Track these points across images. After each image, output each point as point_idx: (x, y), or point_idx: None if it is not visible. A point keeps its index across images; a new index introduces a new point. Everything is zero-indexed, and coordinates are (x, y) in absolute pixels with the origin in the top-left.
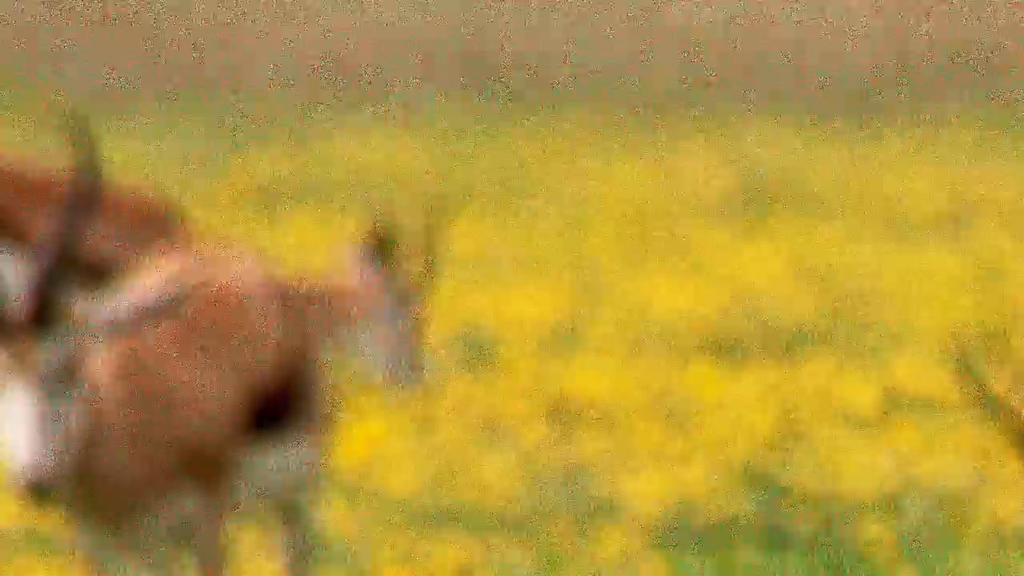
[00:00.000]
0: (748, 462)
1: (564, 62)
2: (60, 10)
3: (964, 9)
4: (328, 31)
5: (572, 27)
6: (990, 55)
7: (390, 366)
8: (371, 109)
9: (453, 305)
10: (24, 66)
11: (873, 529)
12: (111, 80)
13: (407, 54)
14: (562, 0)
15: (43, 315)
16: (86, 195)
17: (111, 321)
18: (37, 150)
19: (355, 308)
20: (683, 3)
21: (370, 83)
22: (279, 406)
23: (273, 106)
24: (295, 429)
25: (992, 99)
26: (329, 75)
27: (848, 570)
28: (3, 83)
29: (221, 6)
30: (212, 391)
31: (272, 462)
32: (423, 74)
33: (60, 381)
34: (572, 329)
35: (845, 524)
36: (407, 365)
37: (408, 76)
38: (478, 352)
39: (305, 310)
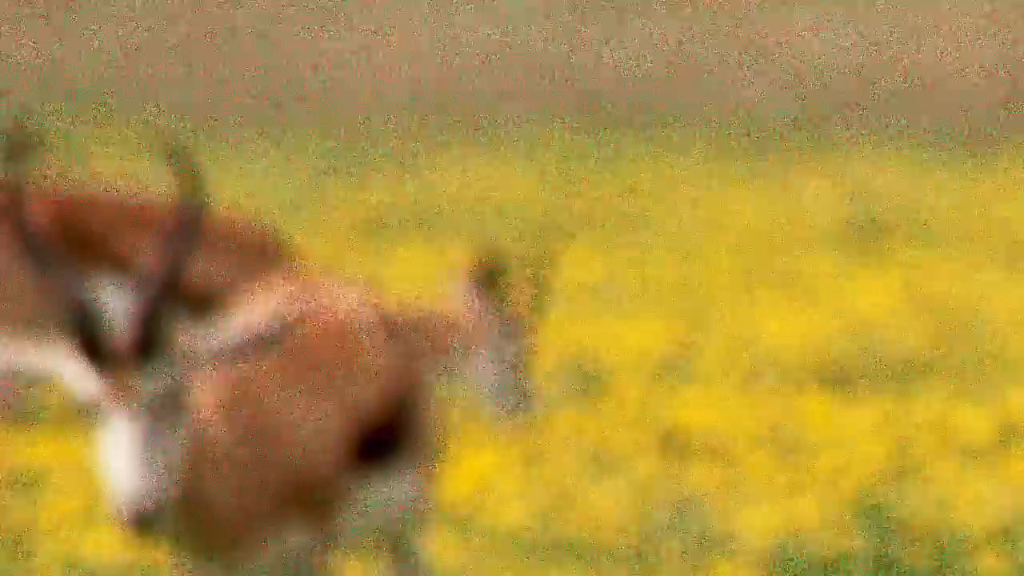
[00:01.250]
0: (861, 494)
1: (671, 88)
2: (164, 36)
3: None
4: (436, 58)
5: (679, 52)
6: None
7: (499, 396)
8: (479, 137)
9: (563, 335)
10: (127, 93)
11: (988, 562)
12: (215, 108)
13: (514, 81)
14: (669, 25)
15: (147, 345)
16: (190, 224)
17: (216, 351)
18: (140, 178)
19: (463, 338)
20: (793, 27)
21: (477, 111)
22: (387, 437)
23: (379, 134)
24: (403, 461)
25: None
26: (436, 103)
27: None
28: (106, 110)
29: (328, 34)
30: (319, 422)
31: (380, 494)
32: (530, 101)
33: (164, 412)
34: (683, 359)
35: (960, 557)
36: (516, 395)
37: (515, 103)
38: (588, 382)
39: (413, 340)
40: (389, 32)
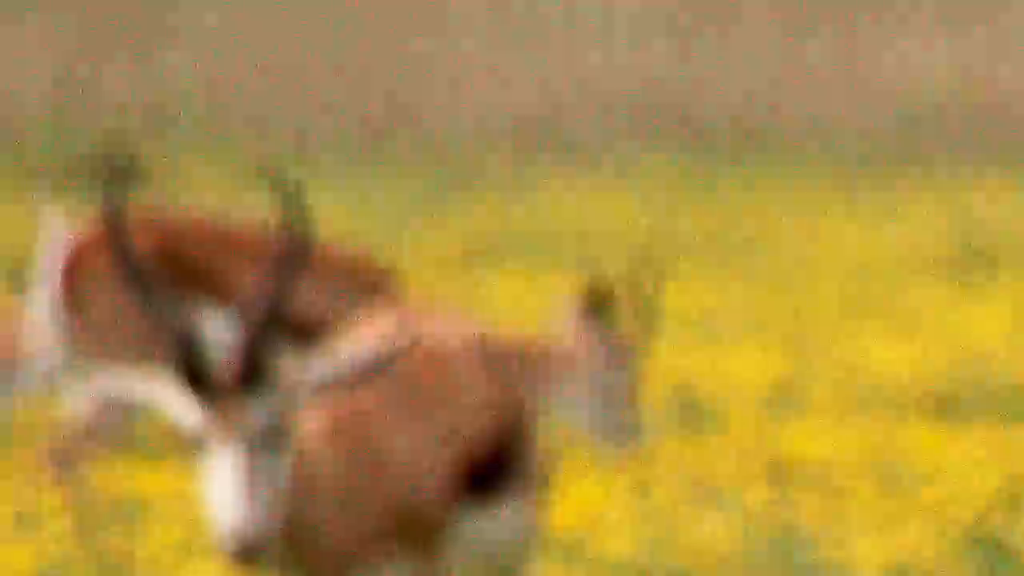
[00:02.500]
0: (970, 525)
1: (775, 115)
2: (267, 63)
3: None
4: (539, 84)
5: (783, 78)
6: None
7: (605, 426)
8: (583, 162)
9: (668, 364)
10: (230, 120)
11: None
12: (319, 133)
13: (617, 106)
14: (773, 51)
15: (251, 375)
16: (294, 252)
17: (321, 381)
18: (243, 206)
19: (568, 367)
20: (897, 53)
21: (581, 136)
22: (493, 467)
23: (483, 160)
24: (509, 491)
25: None
26: (540, 128)
27: None
28: (208, 137)
29: (433, 60)
30: (424, 452)
31: (486, 525)
32: (633, 126)
33: (268, 442)
34: (789, 388)
35: None
36: (622, 425)
37: (619, 128)
38: (694, 412)
39: (518, 369)
40: (493, 58)
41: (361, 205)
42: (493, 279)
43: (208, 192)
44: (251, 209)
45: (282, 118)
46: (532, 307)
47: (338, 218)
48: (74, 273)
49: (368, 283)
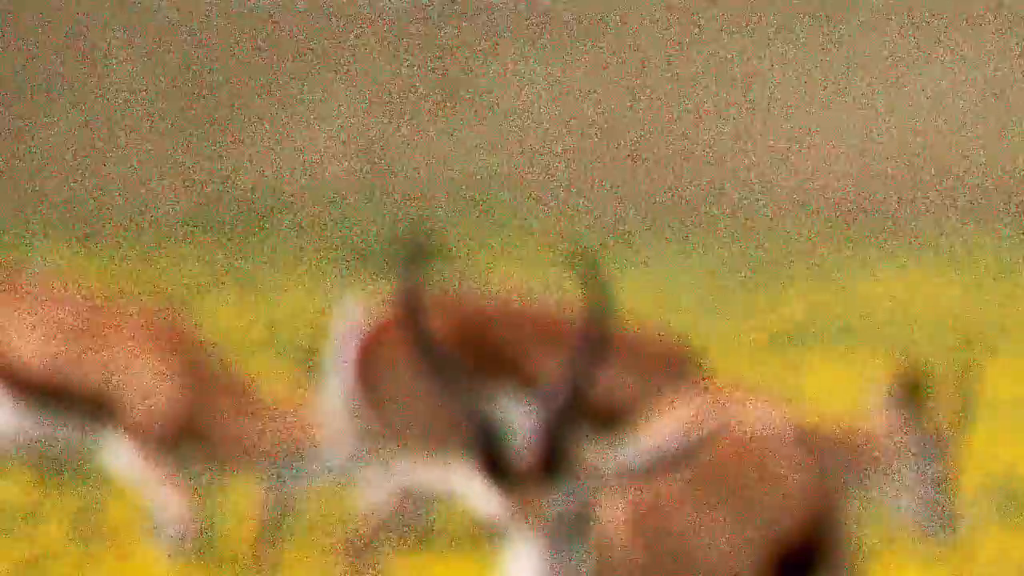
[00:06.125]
0: None
1: None
2: (566, 139)
3: None
4: (854, 158)
5: None
6: None
7: (921, 516)
8: (902, 242)
9: (988, 451)
10: (528, 198)
11: None
12: (620, 211)
13: (939, 181)
14: None
15: (553, 463)
16: (597, 337)
17: (624, 469)
18: (545, 287)
19: (882, 455)
20: None
21: (899, 213)
22: (803, 562)
23: (795, 239)
24: None
25: None
26: (856, 206)
27: None
28: (506, 216)
29: (742, 134)
30: (731, 546)
31: None
32: (956, 202)
33: (570, 532)
34: None
35: None
36: (939, 515)
37: (940, 204)
38: (1015, 501)
39: (831, 458)
40: (805, 133)
41: (668, 286)
42: (807, 365)
43: (510, 272)
44: (553, 291)
45: (587, 196)
46: (845, 394)
47: (643, 299)
48: (368, 359)
49: (673, 368)
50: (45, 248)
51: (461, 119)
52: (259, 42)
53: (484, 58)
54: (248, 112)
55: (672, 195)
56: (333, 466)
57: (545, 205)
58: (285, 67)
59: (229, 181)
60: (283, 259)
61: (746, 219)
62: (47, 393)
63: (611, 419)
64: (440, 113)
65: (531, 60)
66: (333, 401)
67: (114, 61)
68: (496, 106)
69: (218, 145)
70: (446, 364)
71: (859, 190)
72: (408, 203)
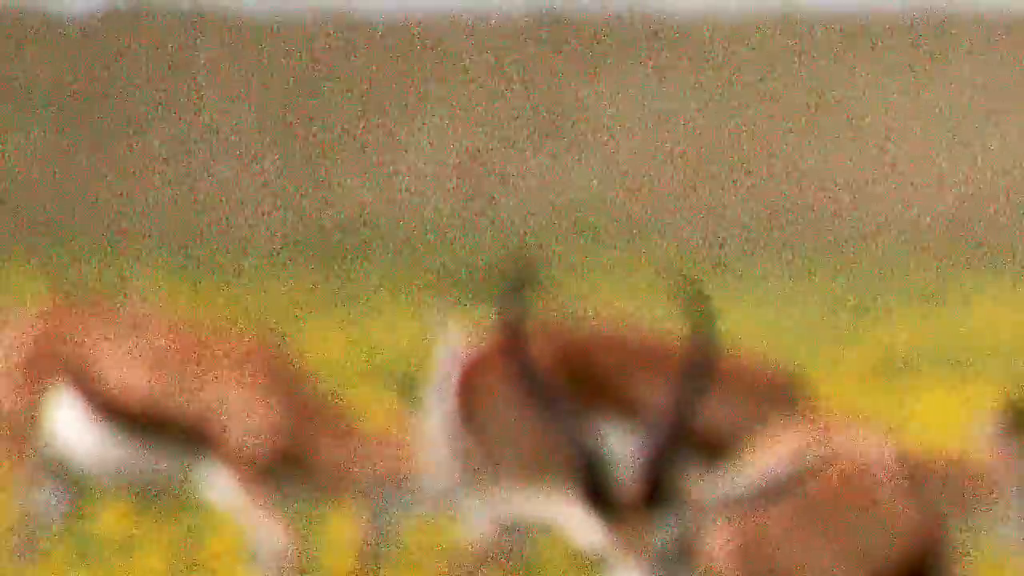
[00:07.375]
0: None
1: None
2: (671, 166)
3: None
4: (964, 182)
5: None
6: None
7: None
8: (1010, 269)
9: None
10: (632, 225)
11: None
12: (725, 240)
13: None
14: None
15: (656, 493)
16: (702, 365)
17: (728, 499)
18: (648, 315)
19: (990, 486)
20: None
21: (1010, 237)
22: None
23: (901, 264)
24: None
25: None
26: (965, 231)
27: None
28: (609, 242)
29: (846, 158)
30: (836, 575)
31: None
32: None
33: (672, 562)
34: None
35: None
36: None
37: None
38: None
39: (937, 491)
40: (912, 156)
41: (773, 313)
42: (913, 394)
43: (613, 299)
44: (659, 319)
45: (690, 223)
46: (955, 425)
47: (748, 328)
48: (470, 387)
49: (778, 397)
50: (145, 277)
51: (563, 145)
52: (361, 69)
53: (587, 85)
54: (350, 138)
55: (776, 221)
56: (434, 496)
57: (648, 232)
58: (387, 93)
59: (330, 207)
60: (384, 286)
61: (851, 244)
62: (146, 423)
63: (715, 449)
64: (541, 139)
65: (634, 87)
66: (434, 430)
67: (216, 90)
68: (599, 132)
69: (319, 171)
70: (549, 393)
71: (967, 215)
72: (510, 229)
